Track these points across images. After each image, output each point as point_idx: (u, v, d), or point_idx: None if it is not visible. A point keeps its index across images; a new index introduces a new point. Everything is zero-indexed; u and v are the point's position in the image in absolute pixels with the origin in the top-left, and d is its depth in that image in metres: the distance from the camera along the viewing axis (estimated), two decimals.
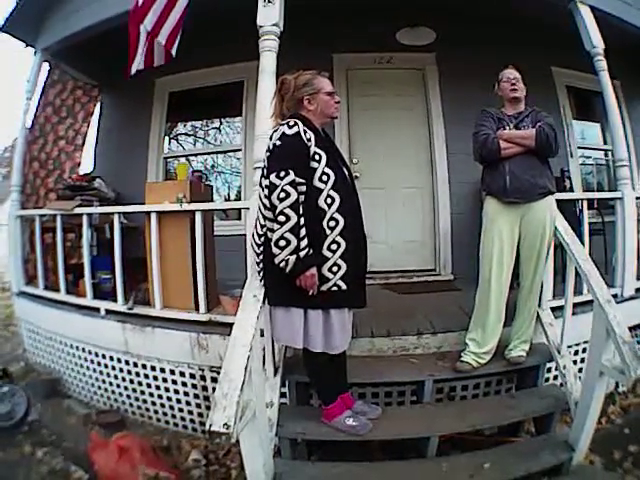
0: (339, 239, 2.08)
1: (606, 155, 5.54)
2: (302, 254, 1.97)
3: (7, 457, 2.86)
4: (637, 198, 3.53)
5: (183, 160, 5.38)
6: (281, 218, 1.95)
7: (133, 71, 3.39)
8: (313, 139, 2.08)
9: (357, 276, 2.21)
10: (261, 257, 2.17)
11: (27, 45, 4.51)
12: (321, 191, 2.06)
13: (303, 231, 1.98)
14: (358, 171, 4.64)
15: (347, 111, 4.78)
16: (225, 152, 5.39)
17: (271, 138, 2.10)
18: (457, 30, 4.42)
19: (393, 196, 4.82)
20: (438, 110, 4.73)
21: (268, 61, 2.68)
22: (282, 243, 1.97)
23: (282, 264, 1.99)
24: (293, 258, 1.97)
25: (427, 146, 4.81)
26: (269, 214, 2.02)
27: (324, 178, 2.06)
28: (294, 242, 1.96)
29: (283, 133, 2.05)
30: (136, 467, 2.52)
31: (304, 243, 1.98)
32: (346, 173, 2.22)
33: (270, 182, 1.99)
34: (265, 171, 2.07)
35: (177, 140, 5.60)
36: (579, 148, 5.18)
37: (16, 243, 4.20)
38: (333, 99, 2.23)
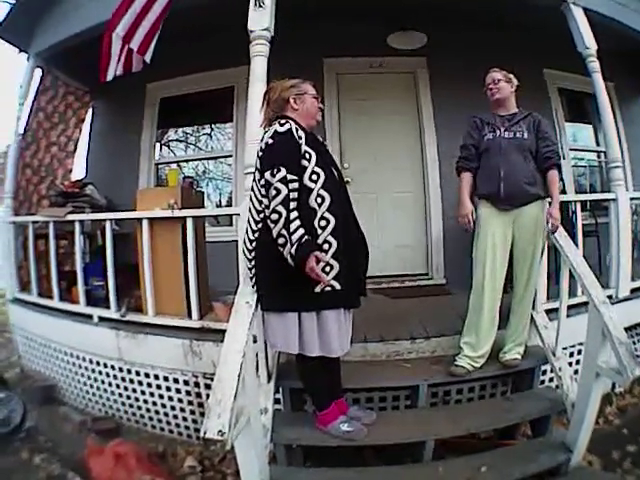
0: (330, 239, 2.06)
1: (599, 156, 5.55)
2: (297, 241, 1.95)
3: (6, 463, 2.86)
4: (631, 199, 3.54)
5: (174, 166, 5.35)
6: (274, 216, 1.96)
7: (109, 77, 3.45)
8: (304, 137, 2.09)
9: (352, 276, 2.18)
10: (253, 263, 2.17)
11: (20, 51, 4.48)
12: (311, 190, 2.05)
13: (297, 222, 1.96)
14: (349, 176, 4.58)
15: (338, 116, 4.77)
16: (216, 158, 5.36)
17: (262, 139, 2.11)
18: (448, 33, 4.41)
19: (385, 201, 4.80)
20: (429, 114, 4.72)
21: (259, 66, 2.66)
22: (281, 240, 1.97)
23: (290, 260, 1.98)
24: (293, 250, 1.95)
25: (418, 150, 4.79)
26: (266, 214, 2.02)
27: (314, 177, 2.06)
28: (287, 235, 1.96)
29: (275, 131, 2.06)
30: (132, 474, 2.52)
31: (300, 232, 1.96)
32: (336, 174, 2.22)
33: (265, 180, 2.00)
34: (257, 174, 2.09)
35: (168, 146, 5.56)
36: (571, 150, 5.18)
37: (10, 250, 4.17)
38: (318, 103, 2.26)
